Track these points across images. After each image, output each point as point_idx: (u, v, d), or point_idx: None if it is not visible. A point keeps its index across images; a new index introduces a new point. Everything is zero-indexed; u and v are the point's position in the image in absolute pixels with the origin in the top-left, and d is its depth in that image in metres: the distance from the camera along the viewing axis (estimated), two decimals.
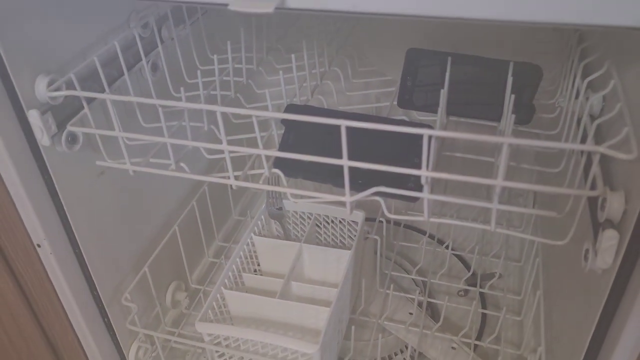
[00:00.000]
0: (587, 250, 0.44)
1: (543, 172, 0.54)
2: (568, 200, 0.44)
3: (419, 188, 0.47)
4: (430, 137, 0.41)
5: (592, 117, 0.51)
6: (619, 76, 0.45)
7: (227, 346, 0.63)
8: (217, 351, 0.64)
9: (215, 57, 0.63)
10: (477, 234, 0.92)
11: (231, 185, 0.50)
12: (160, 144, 0.57)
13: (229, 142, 0.49)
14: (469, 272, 0.84)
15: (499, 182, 0.40)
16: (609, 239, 0.40)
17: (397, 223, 0.94)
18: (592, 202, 0.45)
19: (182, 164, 0.53)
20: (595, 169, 0.39)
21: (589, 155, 0.44)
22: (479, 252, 0.87)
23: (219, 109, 0.45)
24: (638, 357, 0.43)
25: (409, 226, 0.97)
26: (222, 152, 0.49)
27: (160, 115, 0.50)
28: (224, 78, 0.67)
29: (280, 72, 0.58)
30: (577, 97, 0.53)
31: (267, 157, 0.51)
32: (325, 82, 0.68)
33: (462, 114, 0.62)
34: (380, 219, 0.80)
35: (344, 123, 0.42)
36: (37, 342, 0.67)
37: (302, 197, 0.50)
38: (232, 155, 0.50)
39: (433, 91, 0.62)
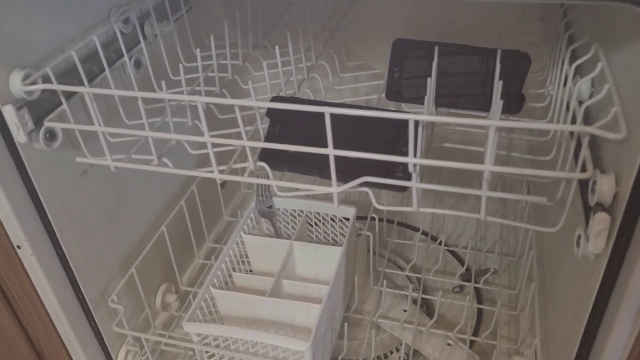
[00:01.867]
0: (579, 237, 0.43)
1: (535, 163, 0.53)
2: (559, 187, 0.43)
3: (408, 177, 0.46)
4: (416, 123, 0.40)
5: (581, 103, 0.50)
6: (607, 58, 0.44)
7: (216, 346, 0.62)
8: (206, 352, 0.63)
9: (198, 52, 0.62)
10: (471, 230, 0.91)
11: (220, 183, 0.49)
12: (143, 140, 0.55)
13: (214, 137, 0.48)
14: (463, 268, 0.83)
15: (487, 167, 0.39)
16: (601, 223, 0.39)
17: (390, 220, 0.92)
18: (583, 187, 0.44)
19: (165, 159, 0.52)
20: (584, 151, 0.38)
21: (579, 139, 0.43)
22: (473, 248, 0.86)
23: (200, 99, 0.44)
24: (633, 345, 0.42)
25: (402, 223, 0.96)
26: (206, 146, 0.48)
27: (141, 109, 0.49)
28: (209, 74, 0.66)
29: (265, 65, 0.57)
30: (565, 84, 0.52)
31: (253, 151, 0.50)
32: (313, 76, 0.67)
33: (451, 105, 0.61)
34: (373, 215, 0.79)
35: (328, 110, 0.41)
36: (21, 347, 0.66)
37: (289, 189, 0.49)
38: (217, 150, 0.49)
39: (421, 82, 0.61)
